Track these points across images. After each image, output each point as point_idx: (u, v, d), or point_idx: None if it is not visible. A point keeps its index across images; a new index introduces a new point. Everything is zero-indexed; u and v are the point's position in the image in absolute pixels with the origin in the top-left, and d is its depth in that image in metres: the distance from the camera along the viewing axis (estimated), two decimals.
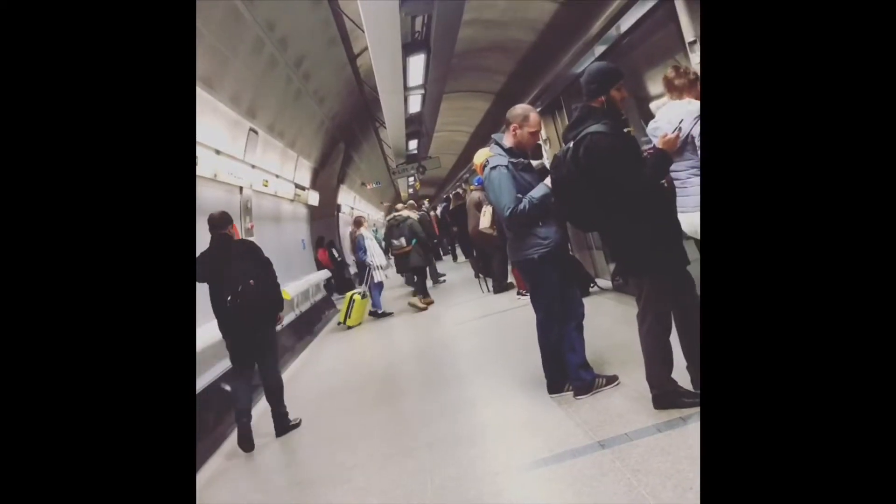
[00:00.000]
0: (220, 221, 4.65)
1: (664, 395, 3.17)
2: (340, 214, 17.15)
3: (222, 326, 4.54)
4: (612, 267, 6.90)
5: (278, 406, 4.72)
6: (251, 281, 4.45)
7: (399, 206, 12.05)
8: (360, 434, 4.32)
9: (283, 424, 4.71)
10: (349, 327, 9.45)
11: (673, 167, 3.25)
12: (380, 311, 9.81)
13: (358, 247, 9.99)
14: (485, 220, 7.12)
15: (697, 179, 3.38)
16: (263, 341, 4.64)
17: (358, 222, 10.35)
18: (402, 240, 9.86)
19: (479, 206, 8.50)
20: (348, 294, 9.91)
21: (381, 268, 9.78)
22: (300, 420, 4.84)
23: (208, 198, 7.17)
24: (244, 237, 7.64)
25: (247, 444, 4.42)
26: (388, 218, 11.02)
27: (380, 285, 9.83)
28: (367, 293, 9.81)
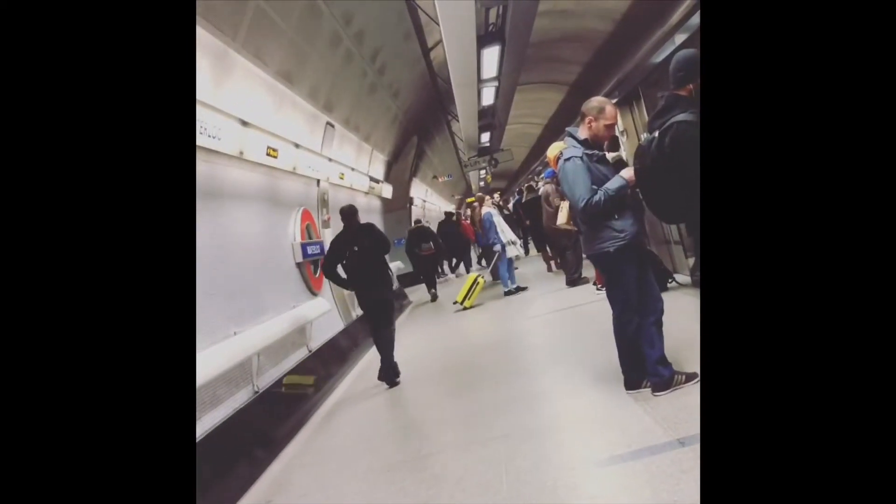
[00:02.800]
0: (349, 212, 5.97)
1: None
2: (413, 207, 17.31)
3: (350, 287, 5.96)
4: (691, 261, 6.71)
5: (389, 358, 5.82)
6: (356, 248, 5.73)
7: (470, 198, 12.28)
8: (436, 423, 4.37)
9: (391, 374, 5.78)
10: (465, 308, 9.42)
11: None
12: (514, 287, 9.75)
13: (486, 226, 9.94)
14: (562, 215, 7.06)
15: None
16: (384, 302, 5.93)
17: (481, 200, 10.89)
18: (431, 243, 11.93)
19: (548, 199, 8.43)
20: (473, 275, 9.90)
21: (514, 243, 9.77)
22: (400, 379, 5.87)
23: (287, 189, 7.39)
24: (327, 228, 8.03)
25: (387, 379, 5.77)
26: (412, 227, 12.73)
27: (510, 261, 9.85)
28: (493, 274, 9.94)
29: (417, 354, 6.99)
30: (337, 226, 8.89)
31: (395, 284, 5.89)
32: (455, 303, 9.69)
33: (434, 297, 11.88)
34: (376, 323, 5.92)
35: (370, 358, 7.49)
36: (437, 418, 4.51)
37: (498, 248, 9.80)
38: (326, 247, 8.12)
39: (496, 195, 20.20)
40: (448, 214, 15.17)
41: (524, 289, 9.74)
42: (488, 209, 10.17)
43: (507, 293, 9.70)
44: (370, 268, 5.79)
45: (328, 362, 6.89)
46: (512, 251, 9.66)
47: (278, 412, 5.19)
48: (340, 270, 5.94)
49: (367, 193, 11.51)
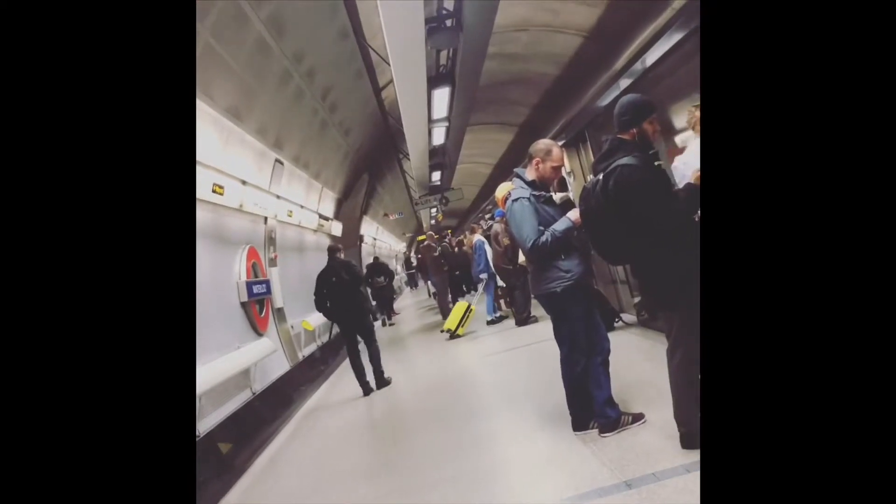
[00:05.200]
0: (332, 249, 7.13)
1: (693, 434, 3.07)
2: (363, 245, 17.22)
3: (331, 316, 7.05)
4: (636, 301, 6.81)
5: (378, 366, 6.95)
6: (334, 279, 6.78)
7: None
8: (382, 467, 4.26)
9: (381, 381, 6.94)
10: (458, 336, 9.35)
11: None
12: (497, 316, 9.93)
13: (477, 254, 9.96)
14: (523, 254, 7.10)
15: None
16: (363, 325, 6.90)
17: (473, 230, 11.43)
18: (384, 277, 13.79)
19: (497, 238, 8.49)
20: (464, 303, 9.86)
21: None
22: (391, 379, 7.02)
23: (233, 227, 7.25)
24: (273, 266, 8.10)
25: (365, 390, 6.77)
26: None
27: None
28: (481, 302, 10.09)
29: (357, 400, 6.86)
30: (284, 263, 8.81)
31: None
32: (443, 331, 9.66)
33: (384, 324, 13.69)
34: (364, 341, 6.90)
35: (319, 396, 7.34)
36: (383, 462, 4.41)
37: (485, 276, 9.82)
38: (273, 285, 7.99)
39: (448, 233, 20.30)
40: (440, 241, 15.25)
41: (506, 316, 9.83)
42: (479, 237, 10.20)
43: (491, 322, 9.78)
44: (349, 297, 6.81)
45: (271, 404, 6.70)
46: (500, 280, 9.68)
47: (216, 460, 5.00)
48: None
49: (316, 231, 11.39)
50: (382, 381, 6.97)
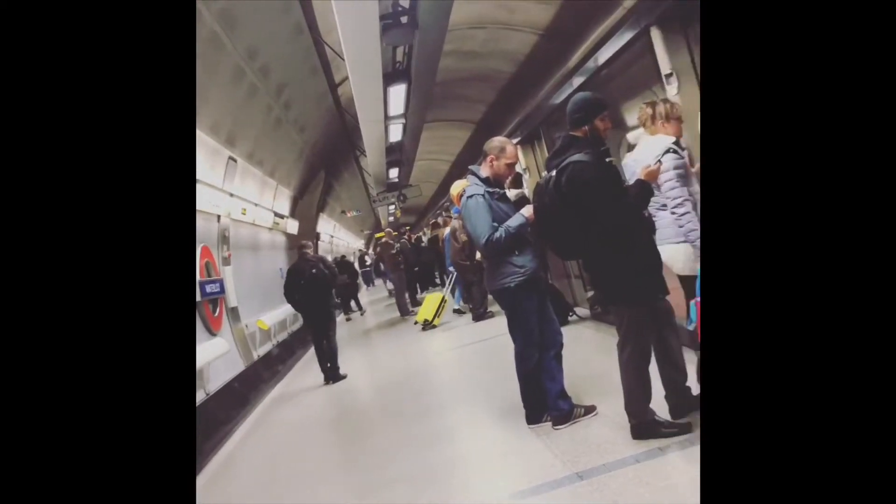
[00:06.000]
0: (302, 246, 7.56)
1: (643, 426, 3.15)
2: (320, 243, 17.09)
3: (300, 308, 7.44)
4: (590, 295, 6.91)
5: (334, 362, 7.31)
6: (314, 271, 7.18)
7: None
8: (337, 466, 4.25)
9: (337, 376, 7.28)
10: (434, 326, 9.48)
11: None
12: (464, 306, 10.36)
13: (448, 245, 10.06)
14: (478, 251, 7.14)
15: (664, 213, 3.43)
16: (328, 314, 7.41)
17: (446, 222, 11.84)
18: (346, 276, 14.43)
19: (455, 234, 8.52)
20: (438, 294, 10.02)
21: None
22: (346, 374, 7.31)
23: None
24: (227, 265, 8.12)
25: (330, 379, 7.24)
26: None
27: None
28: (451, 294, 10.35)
29: (315, 400, 6.82)
30: (238, 262, 8.68)
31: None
32: (417, 322, 9.76)
33: (348, 319, 14.79)
34: (325, 336, 7.32)
35: (274, 396, 7.27)
36: (337, 461, 4.39)
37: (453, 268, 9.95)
38: (227, 285, 7.87)
39: (406, 229, 20.27)
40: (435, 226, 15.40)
41: (465, 312, 10.00)
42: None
43: (457, 311, 10.20)
44: (321, 292, 7.25)
45: (225, 406, 6.60)
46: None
47: None
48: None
49: (271, 229, 11.24)
50: (338, 377, 7.28)
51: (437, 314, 9.59)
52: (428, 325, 9.52)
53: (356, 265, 18.64)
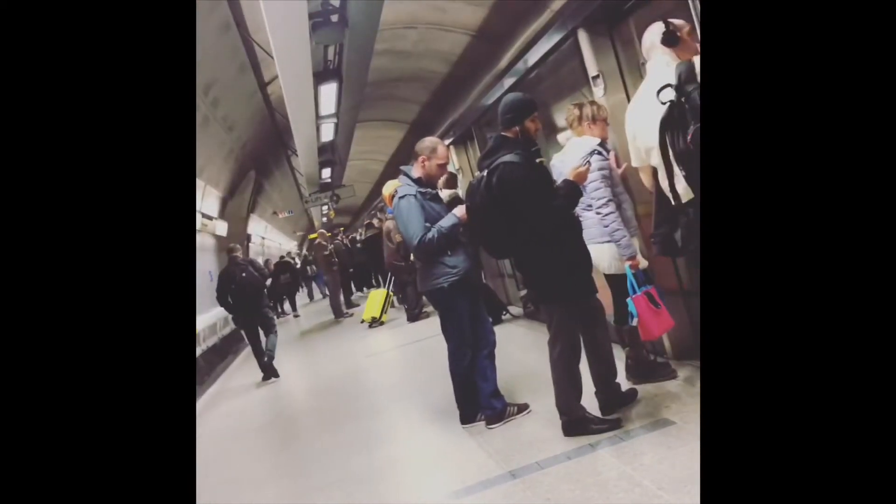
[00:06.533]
0: (231, 250, 7.75)
1: (574, 422, 3.20)
2: (251, 245, 16.74)
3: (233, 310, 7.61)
4: (522, 294, 6.99)
5: (270, 361, 7.37)
6: (244, 274, 7.25)
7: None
8: (270, 472, 4.15)
9: (269, 371, 7.37)
10: (382, 323, 9.45)
11: None
12: None
13: None
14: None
15: (589, 213, 3.50)
16: (263, 315, 7.52)
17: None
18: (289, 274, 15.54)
19: (389, 235, 8.49)
20: (382, 291, 9.96)
21: None
22: (277, 371, 7.41)
23: None
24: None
25: (268, 374, 7.33)
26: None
27: None
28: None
29: (246, 404, 6.67)
30: None
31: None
32: (364, 321, 9.66)
33: (296, 316, 15.75)
34: (265, 332, 7.46)
35: (205, 401, 7.08)
36: (270, 467, 4.29)
37: None
38: None
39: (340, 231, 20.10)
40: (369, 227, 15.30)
41: None
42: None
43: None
44: (253, 292, 7.36)
45: None
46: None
47: None
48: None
49: (199, 231, 10.93)
50: (271, 370, 7.39)
51: (383, 310, 9.56)
52: (376, 323, 9.49)
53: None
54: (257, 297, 7.47)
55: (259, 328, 7.48)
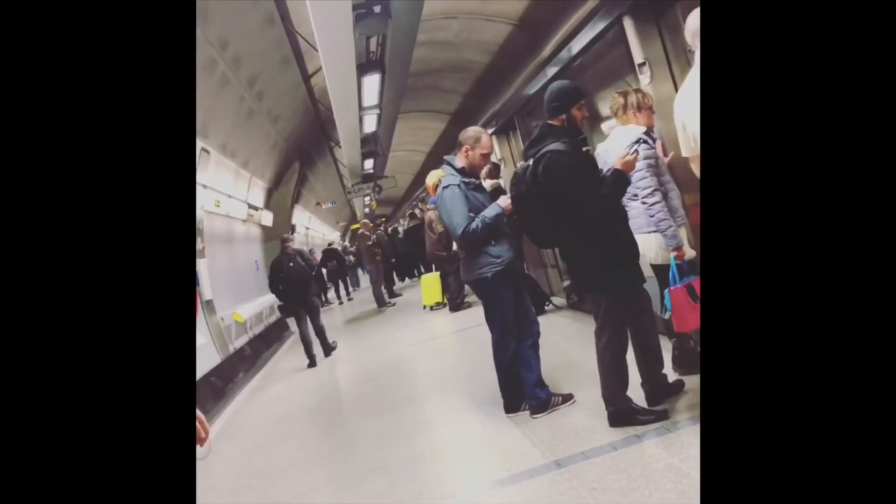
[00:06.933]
0: (285, 240, 8.17)
1: (620, 413, 3.18)
2: (295, 235, 17.00)
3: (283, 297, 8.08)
4: (566, 284, 6.95)
5: (324, 339, 8.06)
6: (291, 264, 7.73)
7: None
8: (315, 458, 4.23)
9: (328, 349, 8.09)
10: (444, 305, 9.59)
11: None
12: None
13: None
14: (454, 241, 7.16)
15: (635, 203, 3.45)
16: (310, 303, 7.93)
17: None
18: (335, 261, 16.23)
19: (431, 225, 8.52)
20: (434, 275, 10.11)
21: None
22: (336, 342, 8.28)
23: None
24: (202, 258, 8.08)
25: (311, 361, 7.75)
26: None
27: None
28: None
29: (290, 391, 6.79)
30: (213, 255, 8.60)
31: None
32: (426, 307, 9.82)
33: (347, 300, 16.53)
34: (311, 321, 7.92)
35: (253, 387, 7.23)
36: (315, 453, 4.38)
37: None
38: (201, 277, 7.81)
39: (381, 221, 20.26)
40: (412, 217, 15.66)
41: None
42: None
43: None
44: (301, 280, 7.77)
45: (201, 399, 6.54)
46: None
47: None
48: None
49: (245, 221, 11.14)
50: (329, 348, 8.11)
51: (442, 293, 9.69)
52: (438, 306, 9.65)
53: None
54: (305, 285, 7.81)
55: (306, 315, 7.88)
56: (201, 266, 7.97)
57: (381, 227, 16.78)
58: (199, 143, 7.70)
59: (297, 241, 16.79)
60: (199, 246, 8.09)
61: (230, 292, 9.17)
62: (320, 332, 8.04)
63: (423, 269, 14.81)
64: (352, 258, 19.33)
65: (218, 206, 8.94)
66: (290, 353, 9.55)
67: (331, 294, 16.91)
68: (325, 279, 16.03)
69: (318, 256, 15.30)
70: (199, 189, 7.98)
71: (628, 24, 4.17)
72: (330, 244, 18.88)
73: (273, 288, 7.97)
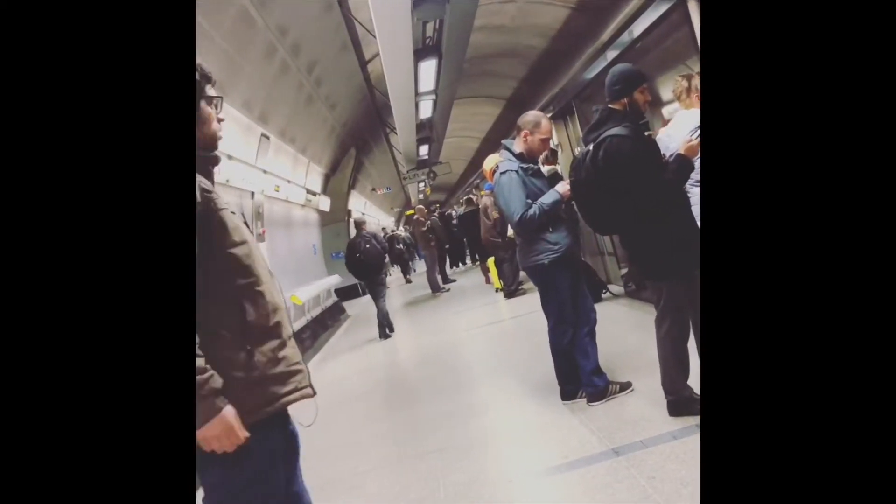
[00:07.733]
0: (360, 223, 8.69)
1: (679, 402, 3.13)
2: (351, 220, 17.25)
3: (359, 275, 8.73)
4: (624, 272, 6.86)
5: (386, 320, 8.48)
6: (367, 245, 8.22)
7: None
8: (372, 439, 4.31)
9: (391, 328, 8.54)
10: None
11: None
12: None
13: None
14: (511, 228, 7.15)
15: (697, 189, 3.37)
16: (379, 284, 8.48)
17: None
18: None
19: (486, 211, 8.51)
20: (490, 259, 10.20)
21: None
22: (393, 327, 8.57)
23: None
24: (262, 241, 8.59)
25: (382, 334, 8.39)
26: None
27: None
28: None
29: (347, 372, 6.90)
30: (272, 238, 8.80)
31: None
32: (498, 290, 9.82)
33: (408, 281, 17.55)
34: (375, 298, 8.45)
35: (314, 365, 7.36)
36: (372, 434, 4.45)
37: None
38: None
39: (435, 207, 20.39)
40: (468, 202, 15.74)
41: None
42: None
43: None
44: (375, 260, 8.30)
45: None
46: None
47: None
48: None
49: (303, 206, 11.35)
50: (391, 329, 8.55)
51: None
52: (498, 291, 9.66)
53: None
54: (378, 265, 8.41)
55: (375, 293, 8.47)
56: (262, 250, 8.17)
57: (436, 213, 16.85)
58: (260, 129, 7.85)
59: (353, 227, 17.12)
60: (258, 230, 8.29)
61: (289, 275, 9.38)
62: (384, 315, 8.45)
63: (476, 256, 14.83)
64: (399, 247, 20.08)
65: (277, 191, 9.12)
66: (346, 336, 9.72)
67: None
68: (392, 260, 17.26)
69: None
70: (259, 174, 8.15)
71: (692, 5, 4.05)
72: (393, 230, 20.20)
73: (349, 267, 8.49)
